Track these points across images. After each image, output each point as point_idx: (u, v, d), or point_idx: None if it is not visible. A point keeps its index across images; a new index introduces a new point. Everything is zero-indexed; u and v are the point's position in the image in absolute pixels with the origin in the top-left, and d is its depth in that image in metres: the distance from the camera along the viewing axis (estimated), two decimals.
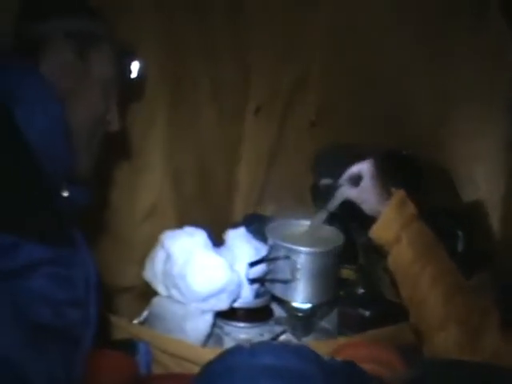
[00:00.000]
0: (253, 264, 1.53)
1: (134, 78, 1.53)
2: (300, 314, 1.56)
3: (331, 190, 1.65)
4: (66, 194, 1.21)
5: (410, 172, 1.85)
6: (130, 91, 1.60)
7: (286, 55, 2.08)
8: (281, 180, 2.18)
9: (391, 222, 1.42)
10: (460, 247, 1.79)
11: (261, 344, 1.03)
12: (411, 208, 1.45)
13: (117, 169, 1.72)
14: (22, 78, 1.18)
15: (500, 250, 1.80)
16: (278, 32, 2.04)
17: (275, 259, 1.53)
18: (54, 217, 1.20)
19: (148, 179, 1.78)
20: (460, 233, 1.80)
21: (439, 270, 1.37)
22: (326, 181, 1.82)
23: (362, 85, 2.07)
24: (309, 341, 1.56)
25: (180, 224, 1.71)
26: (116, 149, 1.70)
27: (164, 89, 1.77)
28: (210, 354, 1.13)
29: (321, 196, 2.02)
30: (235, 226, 1.78)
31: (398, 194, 1.47)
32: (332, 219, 1.75)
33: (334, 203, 1.57)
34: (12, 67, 1.18)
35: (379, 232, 1.44)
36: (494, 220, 1.88)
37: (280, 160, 2.17)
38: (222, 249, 1.66)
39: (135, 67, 1.47)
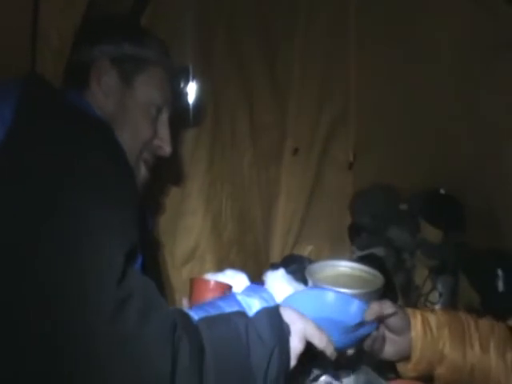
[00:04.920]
0: None
1: (187, 101, 1.58)
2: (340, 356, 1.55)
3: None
4: None
5: (452, 212, 1.85)
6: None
7: (322, 98, 2.12)
8: (319, 220, 2.19)
9: (428, 348, 1.32)
10: (501, 286, 1.77)
11: None
12: (433, 320, 1.34)
13: (159, 213, 1.76)
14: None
15: None
16: (314, 75, 2.09)
17: None
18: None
19: (189, 223, 1.82)
20: (501, 272, 1.78)
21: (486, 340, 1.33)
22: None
23: (399, 126, 2.08)
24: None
25: (218, 267, 1.73)
26: (158, 193, 1.75)
27: (204, 134, 1.82)
28: None
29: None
30: (274, 267, 1.79)
31: (414, 321, 1.34)
32: (371, 260, 1.76)
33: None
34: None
35: (418, 366, 1.34)
36: None
37: (318, 200, 2.18)
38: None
39: (189, 90, 1.51)
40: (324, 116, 2.15)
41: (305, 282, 1.65)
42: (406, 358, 1.33)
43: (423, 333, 1.31)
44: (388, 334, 1.34)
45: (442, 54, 1.92)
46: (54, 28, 1.23)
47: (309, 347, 1.09)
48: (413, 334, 1.31)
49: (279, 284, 1.65)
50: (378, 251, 1.95)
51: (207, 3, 1.80)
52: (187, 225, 1.81)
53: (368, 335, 1.30)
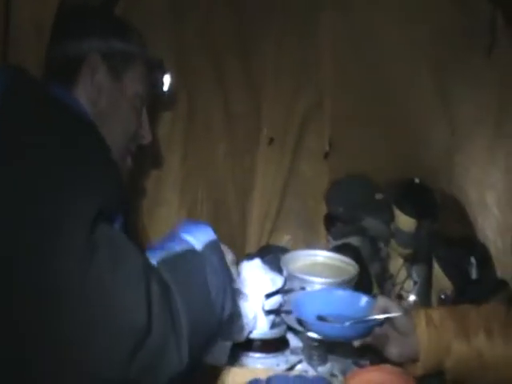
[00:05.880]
0: (268, 295, 1.55)
1: (164, 92, 1.63)
2: (315, 344, 1.57)
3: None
4: None
5: (426, 201, 1.86)
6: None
7: (297, 87, 2.13)
8: (294, 210, 2.19)
9: (435, 344, 1.35)
10: (474, 274, 1.80)
11: (277, 376, 1.05)
12: (435, 315, 1.38)
13: (135, 202, 1.75)
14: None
15: None
16: (288, 65, 2.09)
17: (290, 290, 1.56)
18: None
19: (165, 213, 1.82)
20: (474, 260, 1.81)
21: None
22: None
23: (375, 116, 2.10)
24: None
25: None
26: (134, 183, 1.74)
27: (178, 125, 1.82)
28: None
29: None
30: (250, 257, 1.80)
31: (419, 320, 1.38)
32: (347, 250, 1.78)
33: None
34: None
35: (427, 364, 1.37)
36: (508, 245, 1.89)
37: (293, 190, 2.19)
38: (238, 280, 1.67)
39: (166, 82, 1.60)
40: (299, 106, 2.14)
41: (281, 271, 1.66)
42: (412, 359, 1.36)
43: (428, 330, 1.35)
44: (393, 335, 1.38)
45: (416, 47, 1.95)
46: (29, 18, 1.22)
47: None
48: (418, 332, 1.35)
49: (255, 274, 1.66)
50: (354, 240, 1.97)
51: None
52: (162, 216, 1.81)
53: (372, 329, 1.35)
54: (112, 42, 1.37)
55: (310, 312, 1.41)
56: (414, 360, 1.37)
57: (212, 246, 1.18)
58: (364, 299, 1.45)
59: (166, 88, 1.64)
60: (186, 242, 1.19)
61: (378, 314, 1.37)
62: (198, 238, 1.21)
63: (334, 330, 1.38)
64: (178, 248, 1.16)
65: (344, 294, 1.49)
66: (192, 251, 1.14)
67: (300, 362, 1.60)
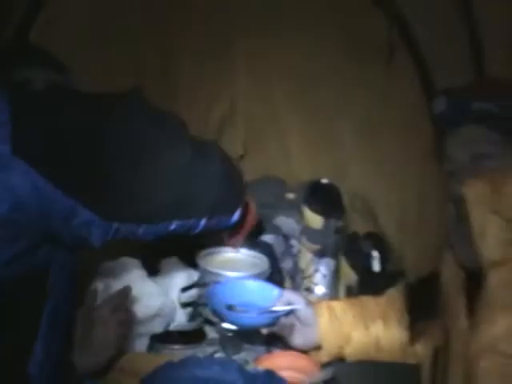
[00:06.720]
0: (184, 289, 1.64)
1: None
2: (230, 335, 1.65)
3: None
4: None
5: (332, 199, 1.99)
6: None
7: (213, 95, 2.24)
8: None
9: (336, 334, 1.48)
10: (375, 266, 1.93)
11: (190, 358, 1.15)
12: (337, 307, 1.51)
13: None
14: None
15: (410, 267, 1.96)
16: (205, 78, 2.21)
17: (205, 284, 1.65)
18: None
19: None
20: (376, 254, 1.95)
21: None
22: None
23: (285, 120, 2.26)
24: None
25: (117, 255, 1.80)
26: None
27: None
28: None
29: None
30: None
31: (321, 311, 1.50)
32: (261, 247, 1.88)
33: None
34: None
35: (330, 352, 1.49)
36: (408, 241, 2.05)
37: None
38: (157, 277, 1.75)
39: None
40: (215, 112, 2.27)
41: (197, 267, 1.75)
42: (315, 348, 1.49)
43: (330, 321, 1.47)
44: (298, 325, 1.50)
45: (323, 55, 2.09)
46: None
47: None
48: (320, 323, 1.47)
49: (173, 270, 1.75)
50: (268, 238, 2.07)
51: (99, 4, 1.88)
52: None
53: (277, 319, 1.49)
54: (54, 71, 1.55)
55: (221, 302, 1.52)
56: (318, 348, 1.50)
57: None
58: (272, 290, 1.58)
59: None
60: None
61: (283, 305, 1.50)
62: None
63: (241, 319, 1.50)
64: None
65: (254, 285, 1.61)
66: None
67: (216, 352, 1.69)
